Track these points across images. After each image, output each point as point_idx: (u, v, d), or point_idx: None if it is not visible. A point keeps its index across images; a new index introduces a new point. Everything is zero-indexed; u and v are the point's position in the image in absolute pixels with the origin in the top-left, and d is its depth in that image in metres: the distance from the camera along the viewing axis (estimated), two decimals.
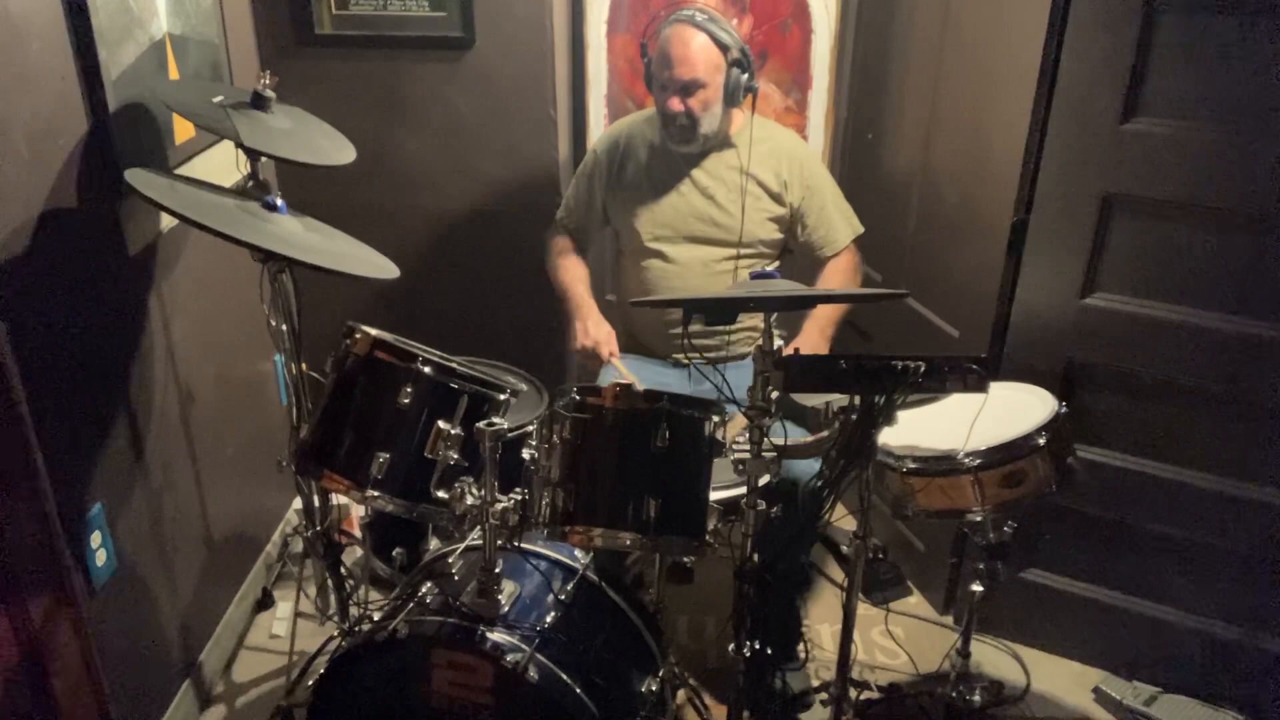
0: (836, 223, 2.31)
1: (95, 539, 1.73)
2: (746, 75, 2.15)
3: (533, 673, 1.53)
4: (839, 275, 2.31)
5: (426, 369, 1.65)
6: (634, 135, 2.34)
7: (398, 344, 1.67)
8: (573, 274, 2.35)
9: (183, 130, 2.02)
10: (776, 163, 2.26)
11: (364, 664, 1.67)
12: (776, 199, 2.27)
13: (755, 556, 1.64)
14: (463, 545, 1.76)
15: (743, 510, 1.61)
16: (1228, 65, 1.79)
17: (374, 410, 1.68)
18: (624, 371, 2.12)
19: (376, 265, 1.89)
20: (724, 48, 2.12)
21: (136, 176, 1.65)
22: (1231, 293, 1.92)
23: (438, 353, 1.71)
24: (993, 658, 2.36)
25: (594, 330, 2.21)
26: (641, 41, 2.20)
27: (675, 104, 2.15)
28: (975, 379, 1.47)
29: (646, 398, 1.57)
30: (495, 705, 1.61)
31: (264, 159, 1.90)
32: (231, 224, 1.66)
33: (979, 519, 1.80)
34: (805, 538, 1.97)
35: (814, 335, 2.22)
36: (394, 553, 2.21)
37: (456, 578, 1.69)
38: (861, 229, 2.34)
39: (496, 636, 1.57)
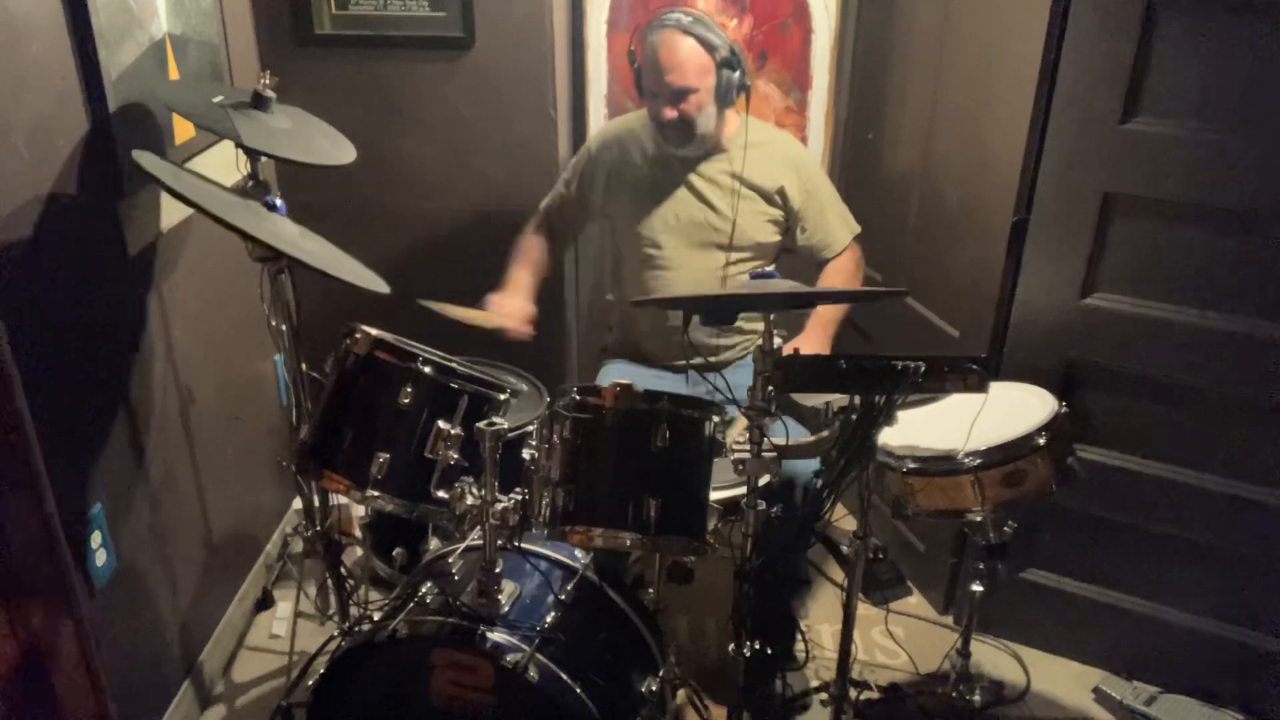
0: (834, 225, 2.31)
1: (95, 539, 1.73)
2: (738, 74, 2.12)
3: (533, 673, 1.53)
4: (840, 275, 2.31)
5: (426, 369, 1.65)
6: (629, 138, 2.32)
7: (398, 344, 1.67)
8: (521, 252, 2.36)
9: (183, 130, 2.02)
10: (773, 166, 2.25)
11: (364, 664, 1.67)
12: (773, 202, 2.26)
13: (755, 556, 1.64)
14: (463, 545, 1.75)
15: (743, 510, 1.61)
16: (1228, 65, 1.78)
17: (374, 410, 1.68)
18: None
19: (368, 278, 1.89)
20: (712, 49, 2.09)
21: (144, 158, 1.64)
22: (1231, 293, 1.92)
23: (438, 352, 1.71)
24: (993, 658, 2.36)
25: (504, 300, 2.23)
26: (630, 48, 2.18)
27: (669, 112, 2.13)
28: (975, 379, 1.47)
29: (646, 398, 1.57)
30: (495, 705, 1.61)
31: (264, 159, 1.90)
32: (240, 218, 1.66)
33: (979, 519, 1.80)
34: (805, 538, 1.97)
35: (816, 335, 2.22)
36: (394, 553, 2.21)
37: (456, 578, 1.69)
38: (859, 228, 2.34)
39: (496, 636, 1.57)
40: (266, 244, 1.65)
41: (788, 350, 1.54)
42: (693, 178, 2.26)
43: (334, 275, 1.72)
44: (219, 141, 2.12)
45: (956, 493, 1.78)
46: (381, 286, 1.87)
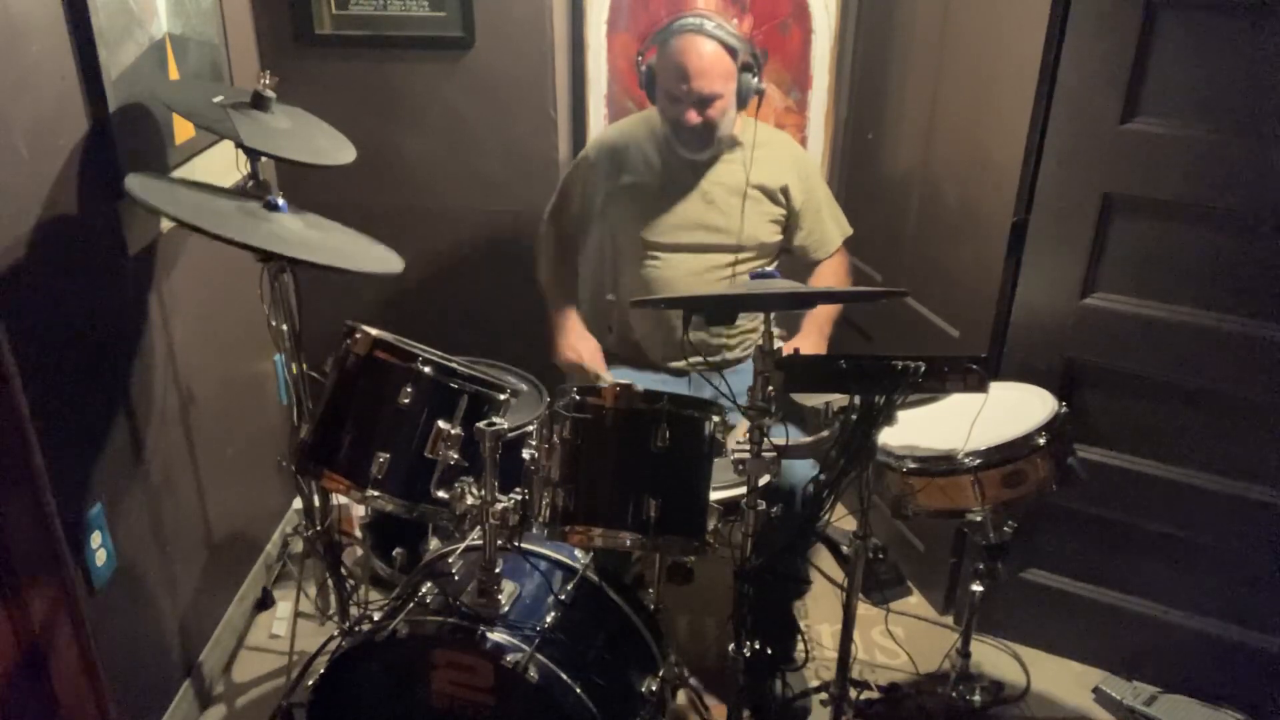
0: (829, 227, 2.32)
1: (95, 539, 1.73)
2: (756, 79, 2.13)
3: (533, 673, 1.53)
4: (831, 277, 2.31)
5: (427, 369, 1.65)
6: (629, 141, 2.31)
7: (398, 344, 1.67)
8: (557, 284, 2.40)
9: (183, 130, 2.02)
10: (777, 166, 2.25)
11: (364, 664, 1.67)
12: (777, 201, 2.26)
13: (755, 556, 1.64)
14: (463, 545, 1.75)
15: (743, 510, 1.61)
16: (1228, 65, 1.79)
17: (374, 410, 1.68)
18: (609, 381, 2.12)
19: (380, 259, 1.89)
20: (734, 53, 2.09)
21: (136, 183, 1.65)
22: (1231, 293, 1.92)
23: (438, 352, 1.71)
24: (993, 658, 2.36)
25: (578, 344, 2.26)
26: (639, 52, 2.18)
27: (693, 117, 2.11)
28: (975, 379, 1.47)
29: (646, 398, 1.57)
30: (495, 705, 1.61)
31: (264, 159, 1.90)
32: (232, 226, 1.66)
33: (979, 519, 1.80)
34: (804, 538, 1.98)
35: (813, 335, 2.22)
36: (394, 553, 2.21)
37: (456, 578, 1.69)
38: (850, 231, 2.35)
39: (497, 636, 1.57)
40: (266, 251, 1.65)
41: (786, 350, 1.54)
42: (700, 180, 2.25)
43: (337, 268, 1.71)
44: (219, 141, 2.12)
45: (956, 493, 1.78)
46: (395, 265, 1.86)
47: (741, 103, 2.16)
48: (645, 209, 2.28)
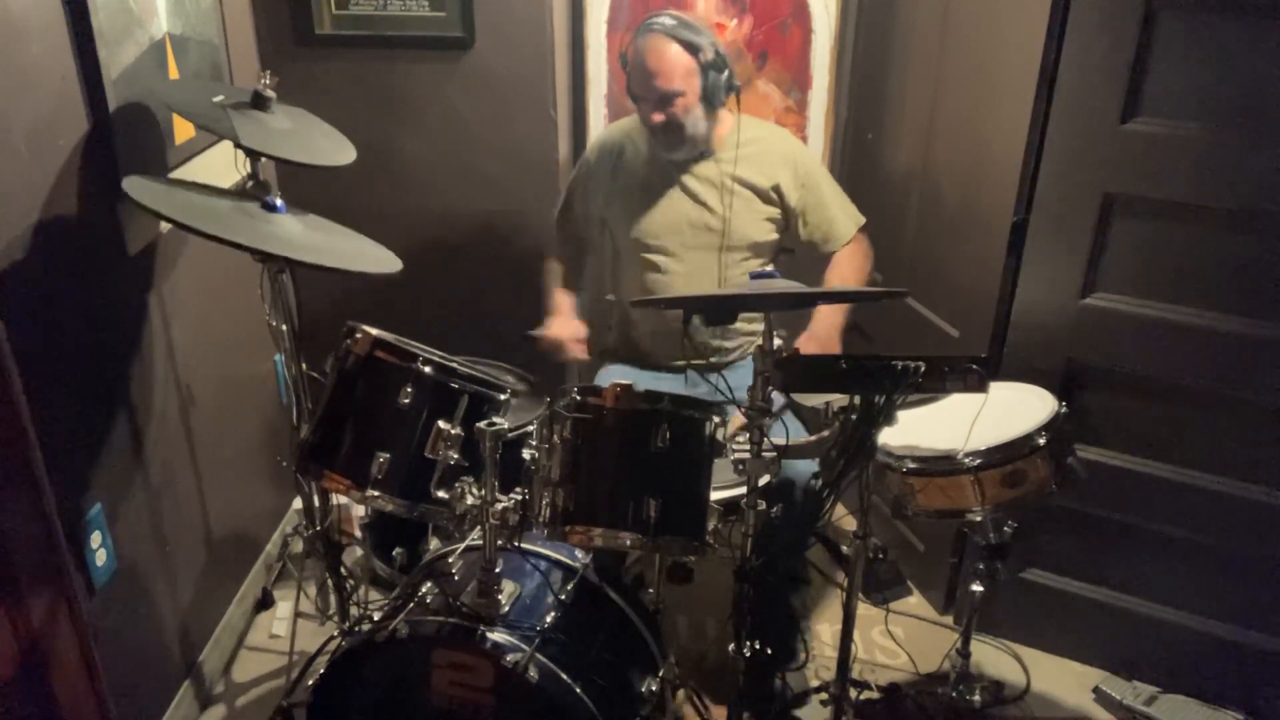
0: (837, 217, 2.29)
1: (95, 539, 1.73)
2: (725, 75, 2.12)
3: (533, 673, 1.53)
4: (847, 266, 2.29)
5: (427, 369, 1.65)
6: (625, 142, 2.32)
7: (398, 344, 1.67)
8: (550, 277, 2.44)
9: (183, 130, 2.02)
10: (767, 163, 2.24)
11: (364, 664, 1.67)
12: (769, 200, 2.25)
13: (755, 556, 1.64)
14: (463, 545, 1.76)
15: (743, 510, 1.61)
16: (1228, 65, 1.79)
17: (374, 410, 1.68)
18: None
19: (378, 260, 1.89)
20: (696, 51, 2.08)
21: (134, 185, 1.65)
22: (1231, 293, 1.92)
23: (438, 352, 1.71)
24: (993, 658, 2.36)
25: (560, 326, 2.30)
26: (621, 53, 2.19)
27: (657, 117, 2.13)
28: (975, 379, 1.47)
29: (647, 398, 1.57)
30: (495, 705, 1.61)
31: (264, 159, 1.90)
32: (230, 227, 1.66)
33: (979, 519, 1.80)
34: (805, 538, 1.97)
35: (828, 330, 2.19)
36: (394, 553, 2.21)
37: (456, 578, 1.69)
38: (863, 220, 2.32)
39: (497, 636, 1.57)
40: (264, 252, 1.65)
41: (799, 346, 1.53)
42: (686, 179, 2.25)
43: (335, 268, 1.71)
44: (219, 141, 2.12)
45: (956, 493, 1.78)
46: (393, 264, 1.87)
47: (711, 101, 2.14)
48: (637, 206, 2.28)
